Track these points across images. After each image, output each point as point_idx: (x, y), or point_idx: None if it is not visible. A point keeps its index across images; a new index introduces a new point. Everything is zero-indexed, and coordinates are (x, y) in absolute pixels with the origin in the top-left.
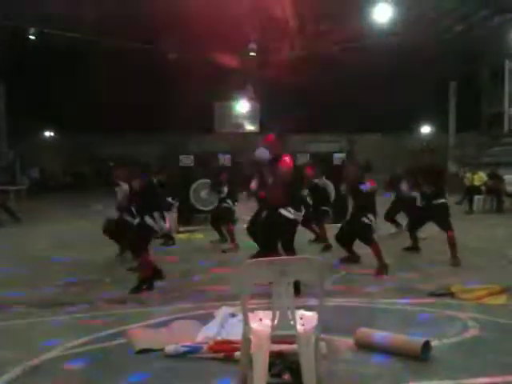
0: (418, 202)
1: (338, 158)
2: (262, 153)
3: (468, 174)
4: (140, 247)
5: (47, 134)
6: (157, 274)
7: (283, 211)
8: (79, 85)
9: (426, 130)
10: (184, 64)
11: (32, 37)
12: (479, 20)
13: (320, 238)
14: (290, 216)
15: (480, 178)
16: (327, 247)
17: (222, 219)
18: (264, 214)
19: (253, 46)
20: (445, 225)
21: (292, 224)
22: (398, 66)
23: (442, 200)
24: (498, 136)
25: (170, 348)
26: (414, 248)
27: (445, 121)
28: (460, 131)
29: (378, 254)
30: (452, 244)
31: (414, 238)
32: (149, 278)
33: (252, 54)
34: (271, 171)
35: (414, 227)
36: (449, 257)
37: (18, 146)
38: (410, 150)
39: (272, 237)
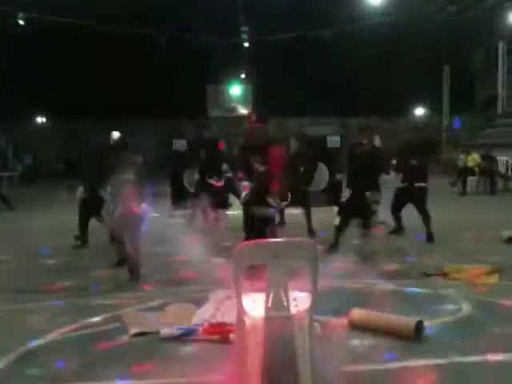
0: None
1: (333, 140)
2: None
3: (462, 156)
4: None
5: (39, 119)
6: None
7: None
8: (72, 70)
9: (420, 112)
10: (176, 47)
11: (22, 22)
12: (473, 2)
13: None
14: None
15: (473, 159)
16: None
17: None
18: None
19: (245, 27)
20: (422, 209)
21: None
22: (392, 49)
23: (423, 184)
24: (492, 118)
25: (165, 331)
26: (399, 230)
27: (439, 103)
28: (454, 113)
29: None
30: (427, 226)
31: (397, 220)
32: (135, 262)
33: (244, 36)
34: (261, 159)
35: (396, 209)
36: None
37: (11, 131)
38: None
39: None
